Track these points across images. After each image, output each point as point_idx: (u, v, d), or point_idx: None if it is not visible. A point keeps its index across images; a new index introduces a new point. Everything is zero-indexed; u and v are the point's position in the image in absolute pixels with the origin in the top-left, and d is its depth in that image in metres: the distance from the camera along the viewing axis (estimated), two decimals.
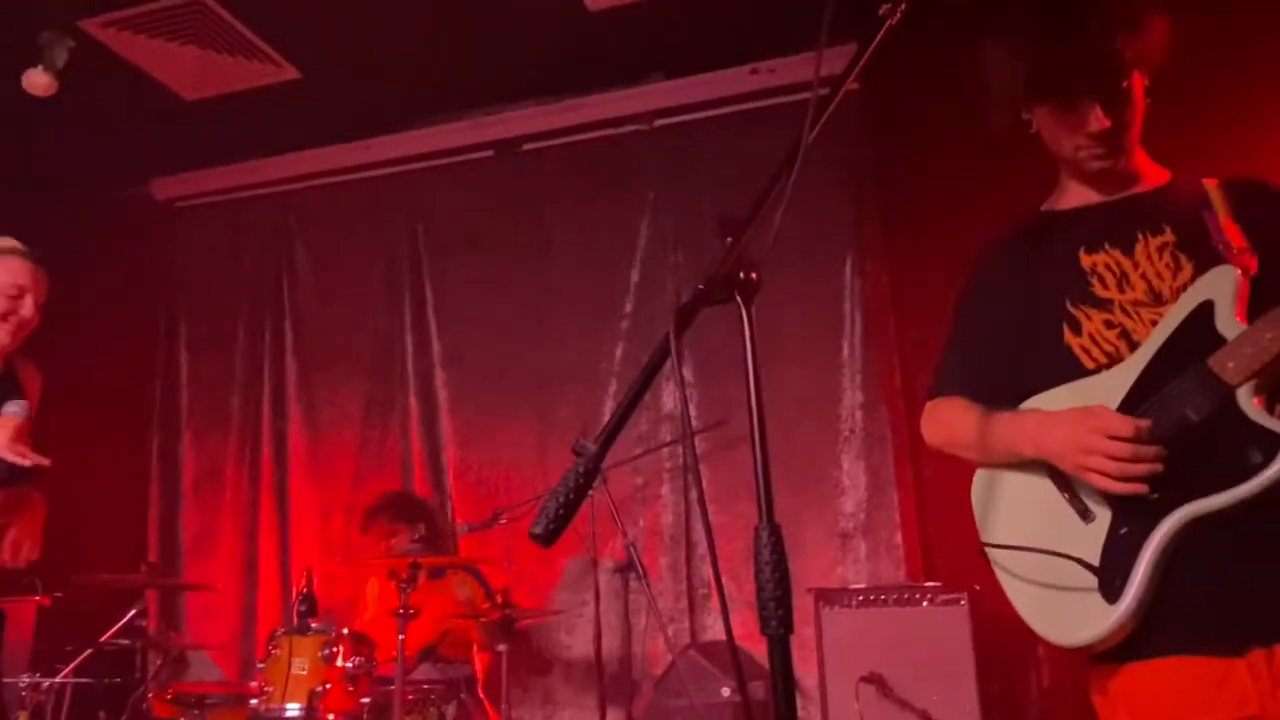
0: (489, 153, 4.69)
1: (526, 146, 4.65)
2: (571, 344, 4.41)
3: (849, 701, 3.13)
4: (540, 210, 4.56)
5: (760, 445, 1.10)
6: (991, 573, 1.61)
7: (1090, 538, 1.47)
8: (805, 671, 3.26)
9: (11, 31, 3.60)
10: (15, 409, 2.46)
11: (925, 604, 3.21)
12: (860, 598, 3.28)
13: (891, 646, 3.18)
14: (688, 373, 4.19)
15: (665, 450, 4.07)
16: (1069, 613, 1.47)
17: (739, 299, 1.15)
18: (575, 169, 4.58)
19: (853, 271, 4.05)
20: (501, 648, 3.34)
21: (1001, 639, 3.07)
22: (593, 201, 4.52)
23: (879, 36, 1.34)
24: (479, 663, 3.75)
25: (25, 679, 3.45)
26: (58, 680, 3.43)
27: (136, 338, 5.02)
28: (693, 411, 4.10)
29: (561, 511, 1.02)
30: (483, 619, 3.56)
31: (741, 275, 1.16)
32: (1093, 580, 1.44)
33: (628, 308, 4.39)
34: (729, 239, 1.17)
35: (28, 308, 2.08)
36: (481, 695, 3.69)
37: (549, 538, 1.01)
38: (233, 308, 4.93)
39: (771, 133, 4.27)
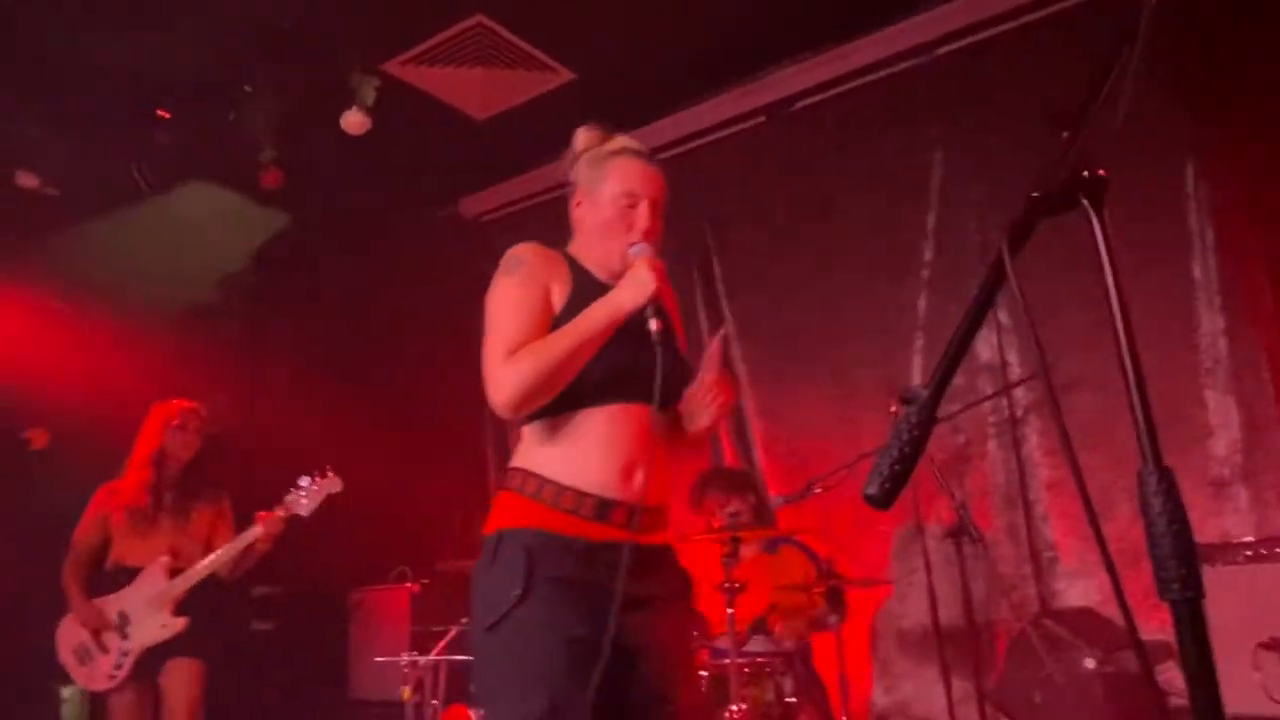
0: (761, 119, 4.58)
1: (798, 105, 4.49)
2: (868, 302, 4.19)
3: (1245, 671, 2.69)
4: (820, 168, 4.38)
5: (1135, 374, 0.91)
6: None
7: None
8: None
9: (326, 79, 4.02)
10: None
11: None
12: (1249, 552, 2.82)
13: None
14: (1003, 317, 3.83)
15: (987, 404, 3.74)
16: None
17: (1085, 202, 0.96)
18: (852, 118, 4.35)
19: (1196, 178, 3.48)
20: (833, 619, 3.24)
21: None
22: (875, 149, 4.26)
23: None
24: (811, 637, 3.67)
25: (406, 657, 3.86)
26: (431, 658, 3.79)
27: (464, 343, 5.47)
28: (1014, 359, 3.74)
29: (897, 468, 0.90)
30: (812, 591, 3.47)
31: (1086, 174, 0.97)
32: None
33: (927, 255, 4.10)
34: (1065, 133, 0.99)
35: (643, 216, 1.86)
36: (817, 668, 3.61)
37: (885, 498, 0.90)
38: None
39: (1073, 40, 3.79)
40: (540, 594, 1.63)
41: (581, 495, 1.71)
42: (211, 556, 3.48)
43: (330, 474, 3.64)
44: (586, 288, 1.83)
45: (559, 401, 1.73)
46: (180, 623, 3.39)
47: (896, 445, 0.91)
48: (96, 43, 3.71)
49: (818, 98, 4.41)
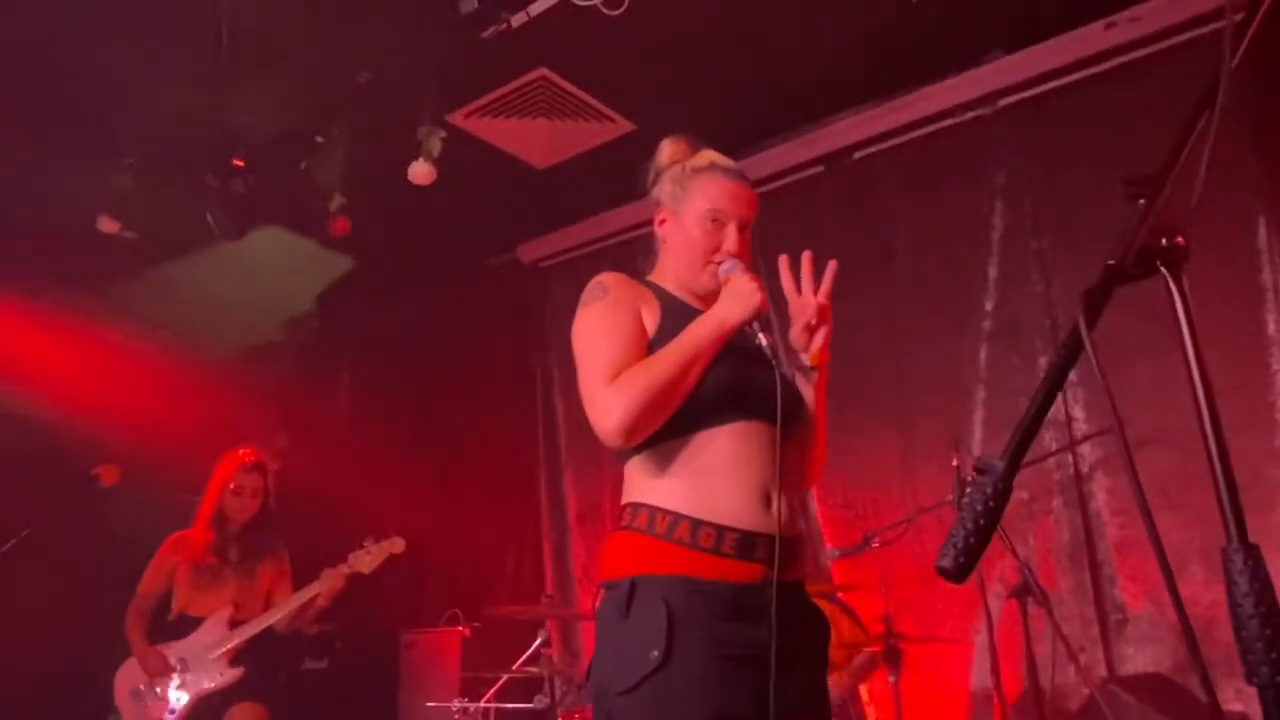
0: (820, 168, 4.59)
1: (857, 155, 4.49)
2: (929, 351, 4.14)
3: None
4: (879, 217, 4.36)
5: (1218, 447, 0.89)
6: None
7: None
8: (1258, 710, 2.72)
9: (393, 129, 4.13)
10: None
11: None
12: None
13: None
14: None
15: (1052, 460, 3.65)
16: None
17: (1164, 270, 0.95)
18: (912, 168, 4.33)
19: (1269, 232, 3.40)
20: (891, 678, 3.16)
21: None
22: (935, 198, 4.24)
23: None
24: (867, 693, 3.59)
25: (457, 703, 3.86)
26: (483, 705, 3.78)
27: (519, 388, 5.53)
28: (1080, 414, 3.66)
29: (971, 540, 0.87)
30: (858, 650, 3.40)
31: (1164, 242, 0.95)
32: None
33: (988, 306, 4.04)
34: (1141, 200, 0.97)
35: (731, 239, 1.75)
36: None
37: (960, 572, 0.87)
38: None
39: (1136, 90, 3.75)
40: (685, 658, 1.45)
41: (721, 530, 1.54)
42: (272, 611, 3.58)
43: (393, 535, 3.72)
44: (677, 311, 1.73)
45: (672, 425, 1.59)
46: (236, 673, 3.48)
47: (971, 516, 0.89)
48: (177, 94, 3.88)
49: (877, 148, 4.41)
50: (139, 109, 3.97)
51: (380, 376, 5.99)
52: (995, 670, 3.16)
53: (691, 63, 4.07)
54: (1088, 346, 0.91)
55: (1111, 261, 0.95)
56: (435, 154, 3.76)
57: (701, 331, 1.62)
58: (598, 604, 1.63)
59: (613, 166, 4.79)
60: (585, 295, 1.76)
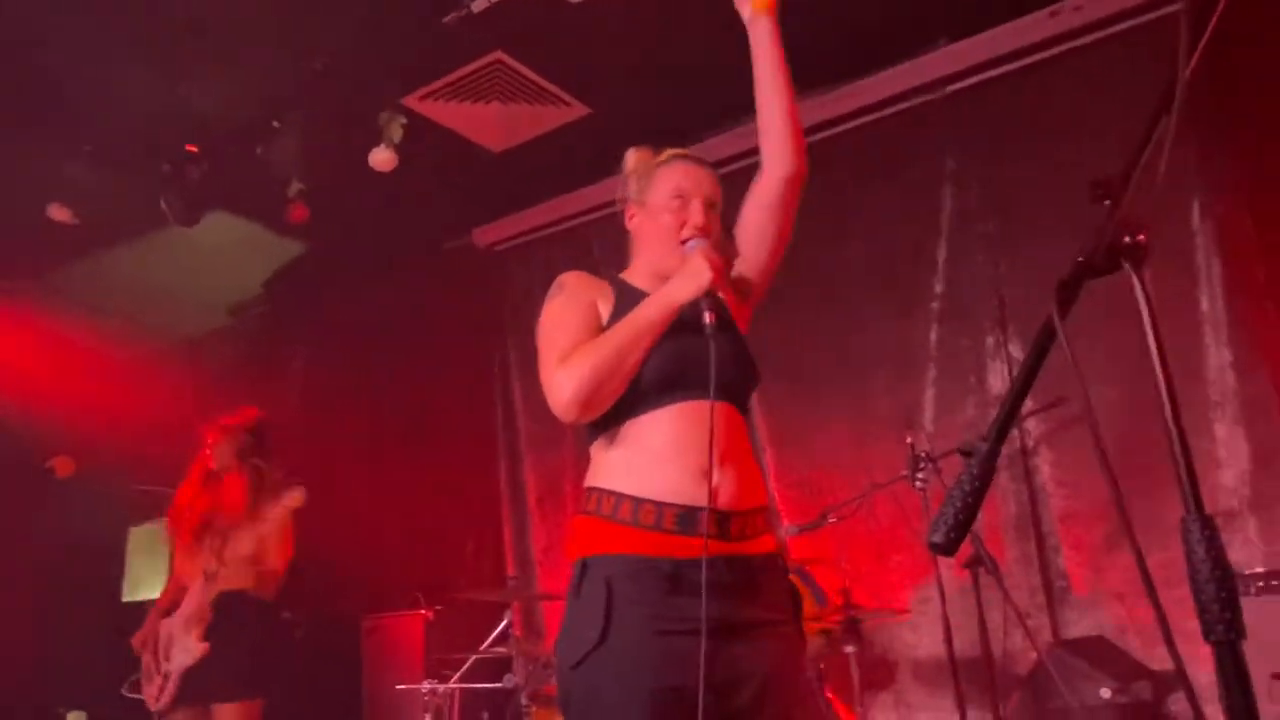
0: None
1: (810, 139, 4.56)
2: (880, 333, 4.26)
3: (1261, 702, 2.73)
4: (833, 201, 4.45)
5: (1178, 429, 0.97)
6: None
7: None
8: (1198, 670, 2.89)
9: (349, 114, 4.10)
10: None
11: None
12: (1260, 584, 2.87)
13: None
14: (1014, 349, 3.90)
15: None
16: None
17: (1128, 266, 1.03)
18: (863, 153, 4.43)
19: (1202, 215, 3.57)
20: (849, 649, 3.28)
21: None
22: (886, 183, 4.35)
23: None
24: (825, 665, 3.70)
25: (426, 685, 3.89)
26: (450, 685, 3.82)
27: (476, 372, 5.55)
28: None
29: (961, 517, 0.95)
30: (819, 624, 3.52)
31: (1127, 239, 1.03)
32: None
33: (938, 288, 4.17)
34: (1106, 201, 1.05)
35: (696, 213, 1.80)
36: (830, 695, 3.64)
37: (951, 546, 0.95)
38: None
39: (1078, 78, 3.90)
40: (623, 634, 1.52)
41: (661, 506, 1.59)
42: (214, 570, 3.47)
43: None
44: (633, 298, 1.78)
45: (621, 408, 1.67)
46: (201, 648, 3.40)
47: (960, 495, 0.96)
48: (129, 80, 3.80)
49: (830, 132, 4.49)
50: (89, 94, 3.89)
51: (335, 362, 5.95)
52: (948, 638, 3.30)
53: (647, 48, 4.11)
54: (1061, 336, 0.99)
55: (1081, 258, 1.03)
56: (397, 140, 3.76)
57: (647, 309, 1.69)
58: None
59: (569, 150, 4.82)
60: (548, 294, 1.84)
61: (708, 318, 1.66)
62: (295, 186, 4.11)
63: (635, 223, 1.92)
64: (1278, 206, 3.41)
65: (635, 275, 1.90)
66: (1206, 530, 0.96)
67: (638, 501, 1.60)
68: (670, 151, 1.95)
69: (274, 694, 3.51)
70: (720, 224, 1.90)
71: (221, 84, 3.87)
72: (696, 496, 1.59)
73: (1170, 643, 0.95)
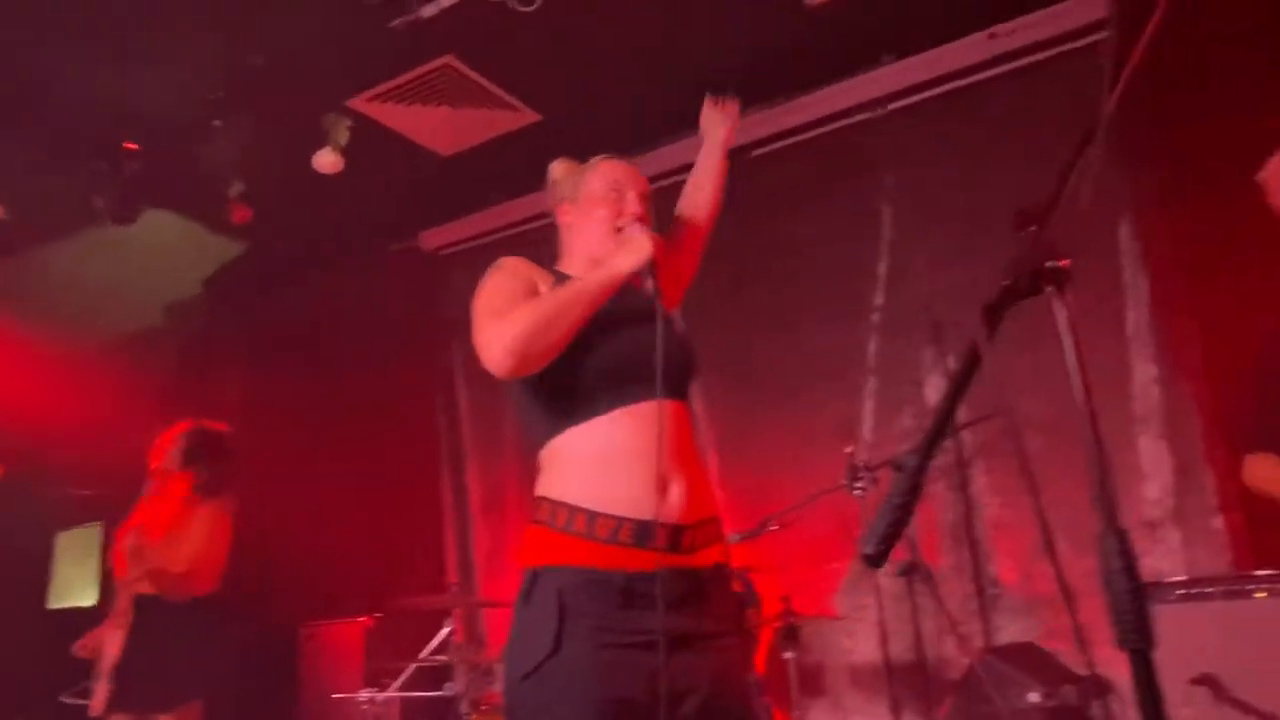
0: None
1: (756, 153, 4.64)
2: (822, 343, 4.34)
3: (1178, 706, 2.84)
4: (778, 214, 4.53)
5: (1098, 448, 1.02)
6: None
7: None
8: (1120, 673, 3.00)
9: (293, 113, 4.05)
10: None
11: (1261, 595, 2.85)
12: (1180, 591, 2.97)
13: (1222, 644, 2.85)
14: (952, 362, 4.00)
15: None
16: None
17: (1051, 289, 1.08)
18: (808, 167, 4.52)
19: (1130, 234, 3.70)
20: (788, 654, 3.33)
21: None
22: (830, 197, 4.43)
23: None
24: (763, 670, 3.76)
25: (364, 694, 3.85)
26: (390, 694, 3.78)
27: (420, 377, 5.50)
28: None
29: (891, 530, 0.99)
30: (758, 628, 3.57)
31: (1049, 264, 1.08)
32: None
33: (878, 300, 4.26)
34: (1031, 228, 1.10)
35: (632, 203, 1.84)
36: (770, 700, 3.69)
37: (880, 558, 0.98)
38: None
39: (1013, 100, 4.02)
40: (574, 647, 1.51)
41: (620, 521, 1.58)
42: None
43: None
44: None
45: (571, 411, 1.65)
46: (112, 651, 3.31)
47: (890, 509, 1.00)
48: (69, 74, 3.70)
49: (776, 145, 4.57)
50: (24, 87, 3.77)
51: (276, 364, 5.84)
52: (883, 645, 3.37)
53: (598, 58, 4.13)
54: (984, 357, 1.03)
55: (1007, 282, 1.07)
56: (342, 143, 3.72)
57: (591, 277, 1.69)
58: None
59: (518, 156, 4.81)
60: (485, 275, 1.84)
61: (651, 284, 1.68)
62: (237, 186, 4.04)
63: (568, 217, 1.93)
64: (1202, 226, 3.55)
65: (571, 266, 1.90)
66: (1121, 543, 1.01)
67: (592, 515, 1.59)
68: (595, 159, 1.98)
69: (209, 696, 3.42)
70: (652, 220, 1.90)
71: (162, 80, 3.79)
72: (651, 509, 1.59)
73: (1078, 639, 0.99)
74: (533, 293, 1.75)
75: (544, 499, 1.68)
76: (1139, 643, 0.98)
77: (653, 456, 1.59)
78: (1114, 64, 1.20)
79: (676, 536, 1.60)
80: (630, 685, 1.50)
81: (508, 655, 1.62)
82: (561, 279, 1.80)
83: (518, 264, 1.84)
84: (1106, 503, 1.01)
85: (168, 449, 3.64)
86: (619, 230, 1.82)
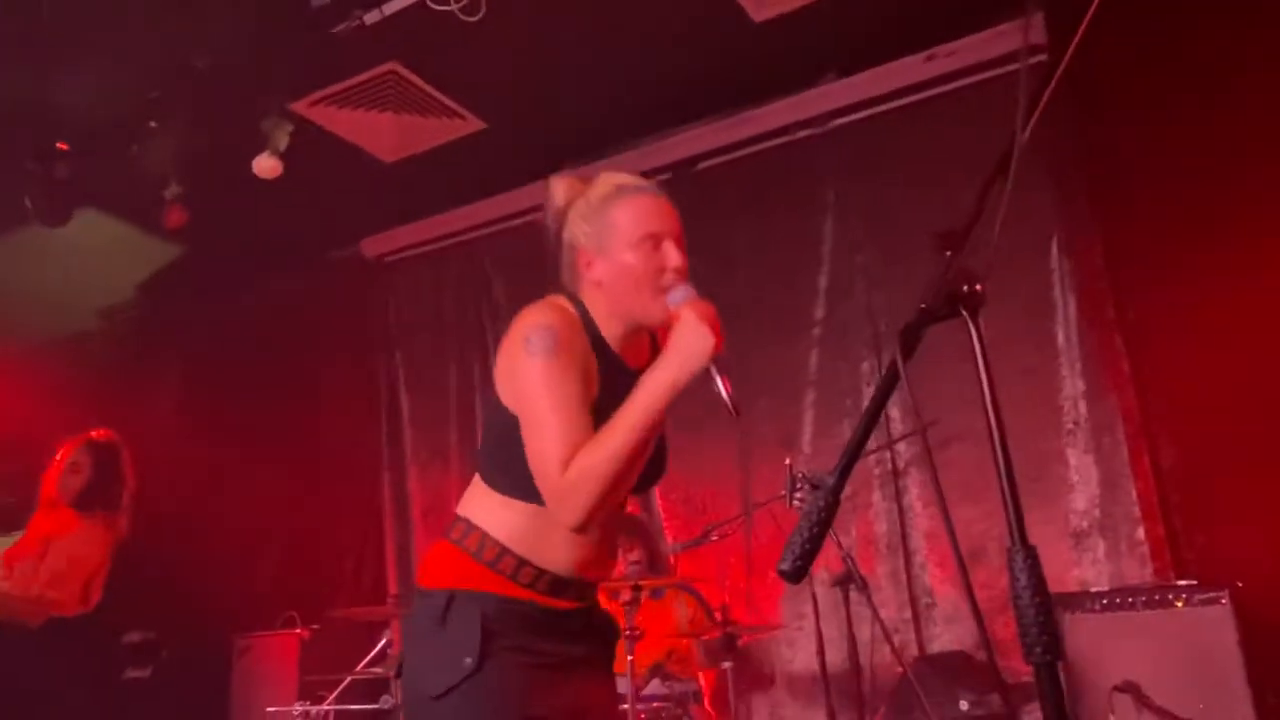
0: (667, 175, 4.75)
1: (702, 165, 4.68)
2: (764, 357, 4.38)
3: (1102, 714, 2.93)
4: (721, 226, 4.57)
5: (1006, 465, 1.06)
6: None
7: None
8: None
9: (232, 115, 3.97)
10: None
11: (1180, 604, 2.96)
12: (1104, 601, 3.07)
13: (1144, 653, 2.95)
14: None
15: (872, 457, 3.96)
16: None
17: (965, 313, 1.11)
18: (752, 181, 4.57)
19: (1060, 252, 3.82)
20: (726, 664, 3.36)
21: (1277, 641, 2.78)
22: (773, 211, 4.50)
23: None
24: (704, 679, 3.79)
25: (298, 707, 3.79)
26: (324, 707, 3.73)
27: (361, 385, 5.44)
28: (896, 414, 3.98)
29: (808, 547, 1.02)
30: (704, 637, 3.60)
31: (965, 289, 1.12)
32: None
33: (818, 314, 4.33)
34: (948, 252, 1.14)
35: (672, 256, 1.62)
36: (710, 709, 3.72)
37: (798, 574, 1.01)
38: (442, 349, 5.25)
39: (952, 119, 4.12)
40: (496, 666, 1.55)
41: (541, 572, 1.64)
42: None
43: None
44: (615, 370, 1.66)
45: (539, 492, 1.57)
46: None
47: (807, 526, 1.03)
48: None
49: (720, 159, 4.62)
50: None
51: (213, 370, 5.73)
52: (820, 653, 3.42)
53: (544, 68, 4.14)
54: (903, 378, 1.07)
55: (923, 305, 1.10)
56: (282, 148, 3.66)
57: (650, 404, 1.54)
58: (412, 610, 1.72)
59: (462, 164, 4.79)
60: (534, 340, 1.58)
61: (723, 387, 1.61)
62: (173, 189, 3.96)
63: (596, 272, 1.67)
64: (1127, 246, 3.67)
65: (608, 327, 1.69)
66: (1028, 560, 1.05)
67: (521, 561, 1.63)
68: (611, 180, 1.73)
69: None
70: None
71: (97, 78, 3.71)
72: (578, 569, 1.68)
73: (988, 648, 1.02)
74: (591, 396, 1.59)
75: (475, 527, 1.66)
76: (1044, 655, 1.02)
77: (594, 539, 1.68)
78: (1029, 93, 1.24)
79: (585, 588, 1.73)
80: (546, 702, 1.60)
81: (418, 676, 1.61)
82: (608, 361, 1.66)
83: (572, 343, 1.60)
84: (1015, 518, 1.05)
85: (55, 466, 3.58)
86: (664, 292, 1.63)
